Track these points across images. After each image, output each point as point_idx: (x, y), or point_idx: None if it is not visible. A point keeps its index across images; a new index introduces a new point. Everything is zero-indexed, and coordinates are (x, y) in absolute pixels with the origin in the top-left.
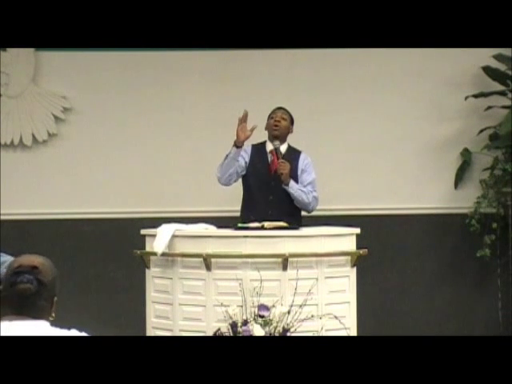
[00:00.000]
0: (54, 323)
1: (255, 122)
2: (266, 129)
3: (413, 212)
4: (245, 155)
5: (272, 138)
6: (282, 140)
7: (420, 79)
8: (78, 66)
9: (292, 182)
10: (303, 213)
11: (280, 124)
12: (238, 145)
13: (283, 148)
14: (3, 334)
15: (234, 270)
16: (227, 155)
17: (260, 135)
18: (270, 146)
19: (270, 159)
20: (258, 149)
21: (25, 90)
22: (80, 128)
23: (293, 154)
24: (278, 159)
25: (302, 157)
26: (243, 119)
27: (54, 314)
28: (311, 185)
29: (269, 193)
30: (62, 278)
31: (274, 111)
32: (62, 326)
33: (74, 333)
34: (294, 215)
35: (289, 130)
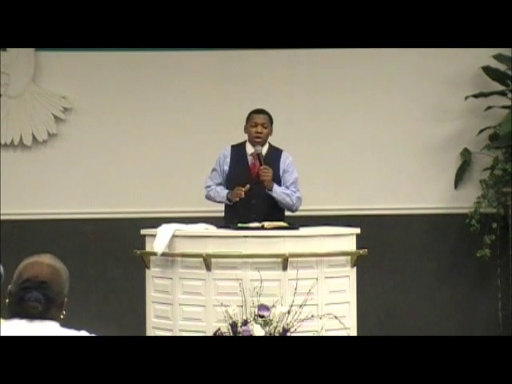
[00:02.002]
0: (64, 324)
1: None
2: (246, 133)
3: (413, 212)
4: (225, 167)
5: (253, 143)
6: (264, 144)
7: (420, 79)
8: (78, 66)
9: (275, 187)
10: (303, 213)
11: (262, 134)
12: (232, 200)
13: (264, 150)
14: (12, 334)
15: (233, 270)
16: (220, 200)
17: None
18: (250, 149)
19: (250, 162)
20: (238, 151)
21: (25, 90)
22: (80, 128)
23: (274, 155)
24: (261, 165)
25: (283, 157)
26: (245, 190)
27: (64, 312)
28: (294, 185)
29: (251, 197)
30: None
31: (253, 116)
32: (65, 326)
33: (83, 334)
34: (277, 216)
35: (269, 134)
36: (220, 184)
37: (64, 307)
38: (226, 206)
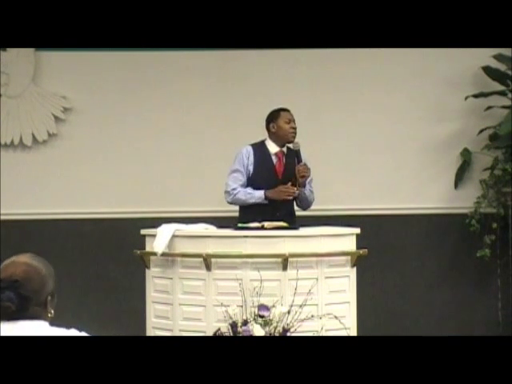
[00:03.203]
0: (53, 323)
1: (255, 122)
2: (279, 132)
3: (413, 212)
4: (250, 167)
5: (286, 142)
6: None
7: (420, 79)
8: (78, 66)
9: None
10: (303, 213)
11: (296, 129)
12: (268, 199)
13: (284, 148)
14: (1, 334)
15: (234, 270)
16: (253, 201)
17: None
18: (273, 148)
19: (275, 161)
20: (260, 150)
21: (25, 90)
22: (80, 128)
23: (292, 153)
24: (299, 162)
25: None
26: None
27: (52, 311)
28: (309, 183)
29: None
30: (62, 278)
31: (285, 114)
32: (61, 326)
33: (73, 332)
34: (293, 214)
35: None
36: (244, 185)
37: (50, 306)
38: (246, 206)
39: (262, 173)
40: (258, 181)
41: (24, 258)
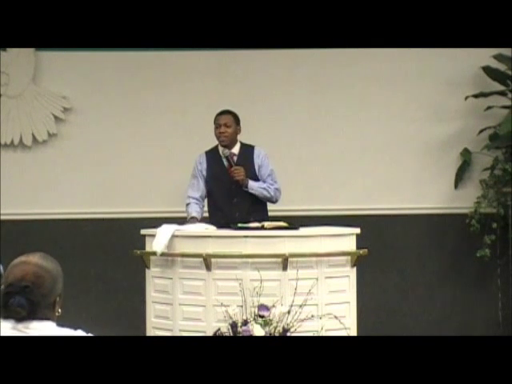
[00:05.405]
0: (60, 323)
1: (254, 122)
2: (216, 137)
3: (413, 212)
4: (204, 173)
5: (221, 146)
6: (233, 143)
7: (420, 79)
8: (78, 66)
9: (251, 183)
10: (303, 213)
11: (225, 133)
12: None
13: (236, 149)
14: (9, 334)
15: (233, 270)
16: (188, 213)
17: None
18: (222, 151)
19: (226, 164)
20: (213, 155)
21: (25, 90)
22: (80, 128)
23: (247, 152)
24: (231, 166)
25: (255, 152)
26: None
27: (59, 310)
28: (270, 177)
29: (232, 196)
30: (62, 278)
31: (216, 118)
32: (65, 326)
33: (79, 333)
34: (260, 211)
35: (236, 133)
36: (201, 195)
37: (58, 306)
38: (210, 207)
39: (216, 175)
40: (214, 183)
41: (34, 259)
